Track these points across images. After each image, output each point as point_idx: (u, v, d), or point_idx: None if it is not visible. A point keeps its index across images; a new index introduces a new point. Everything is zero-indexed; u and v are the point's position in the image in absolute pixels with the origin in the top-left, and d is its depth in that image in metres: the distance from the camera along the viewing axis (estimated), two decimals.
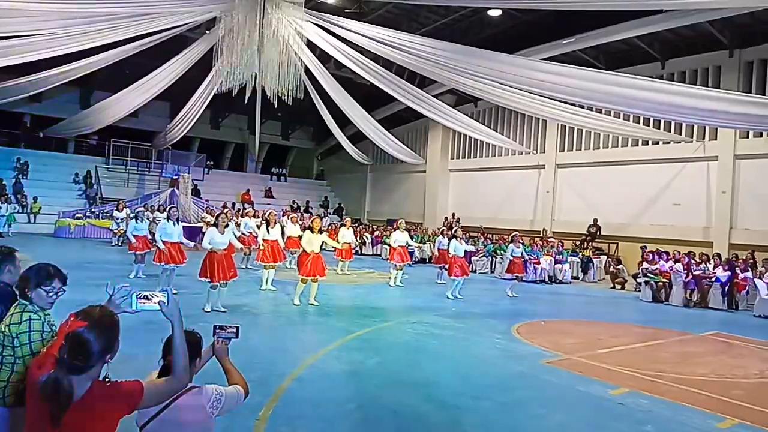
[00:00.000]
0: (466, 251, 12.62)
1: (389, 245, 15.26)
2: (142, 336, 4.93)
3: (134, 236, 12.26)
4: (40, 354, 2.27)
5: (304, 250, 10.08)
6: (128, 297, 2.32)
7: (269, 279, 11.53)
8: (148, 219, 14.52)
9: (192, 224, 19.84)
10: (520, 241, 13.93)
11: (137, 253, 12.18)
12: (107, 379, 2.13)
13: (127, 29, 13.07)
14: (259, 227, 12.89)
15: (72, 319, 2.09)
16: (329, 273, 14.27)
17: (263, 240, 11.67)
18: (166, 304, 2.30)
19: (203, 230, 15.58)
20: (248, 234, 14.14)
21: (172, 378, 2.31)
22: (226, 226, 9.23)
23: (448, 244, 12.78)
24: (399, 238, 13.93)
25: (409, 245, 14.69)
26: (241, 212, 21.60)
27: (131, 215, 15.09)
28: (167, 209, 11.10)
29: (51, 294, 2.77)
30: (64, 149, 27.85)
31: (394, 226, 15.84)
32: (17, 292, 2.80)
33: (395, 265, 13.65)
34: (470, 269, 14.32)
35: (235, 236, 10.18)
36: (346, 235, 15.02)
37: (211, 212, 21.44)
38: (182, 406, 2.48)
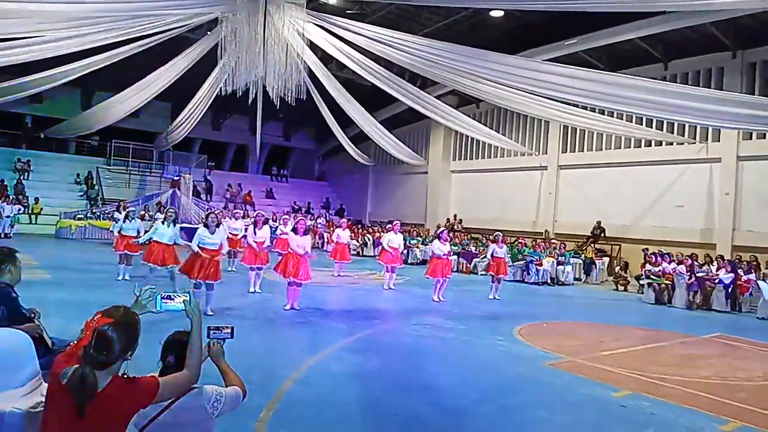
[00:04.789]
0: (447, 252, 12.04)
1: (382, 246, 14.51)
2: (141, 337, 4.89)
3: (120, 235, 11.78)
4: (68, 348, 2.41)
5: (288, 253, 9.62)
6: (153, 298, 2.52)
7: (257, 282, 11.16)
8: (139, 218, 13.66)
9: (193, 225, 19.78)
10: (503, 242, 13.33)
11: (120, 253, 11.66)
12: (125, 375, 2.29)
13: (126, 30, 12.99)
14: (247, 228, 12.46)
15: (98, 316, 2.25)
16: (327, 275, 14.25)
17: (253, 241, 11.11)
18: (189, 303, 2.52)
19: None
20: (232, 235, 13.37)
21: (186, 372, 2.45)
22: (218, 225, 8.79)
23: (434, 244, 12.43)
24: (393, 239, 13.41)
25: (400, 247, 13.75)
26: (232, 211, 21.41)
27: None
28: (165, 210, 10.69)
29: None
30: (65, 150, 27.89)
31: (388, 228, 15.34)
32: None
33: (386, 266, 13.29)
34: (469, 270, 14.05)
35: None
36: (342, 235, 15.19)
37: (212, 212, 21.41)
38: (182, 408, 2.47)
